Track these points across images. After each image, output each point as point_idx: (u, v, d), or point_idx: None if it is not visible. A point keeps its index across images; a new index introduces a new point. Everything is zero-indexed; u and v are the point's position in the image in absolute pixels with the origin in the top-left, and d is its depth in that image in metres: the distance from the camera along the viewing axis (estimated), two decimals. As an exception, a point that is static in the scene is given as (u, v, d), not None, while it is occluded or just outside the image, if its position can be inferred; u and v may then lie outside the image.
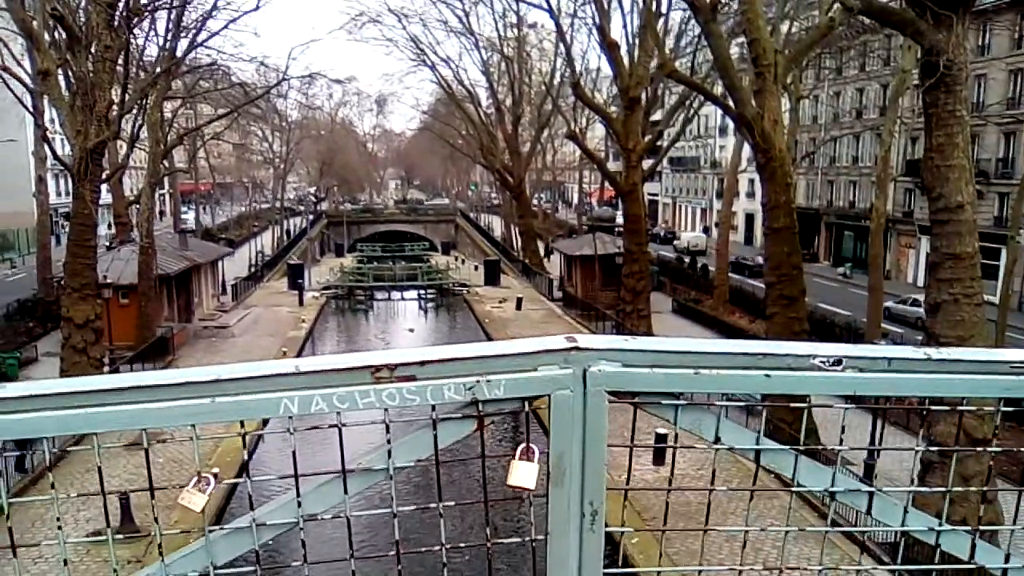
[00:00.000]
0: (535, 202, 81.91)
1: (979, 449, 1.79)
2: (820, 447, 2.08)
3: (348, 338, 46.45)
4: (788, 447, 1.54)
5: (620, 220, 48.21)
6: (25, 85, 30.01)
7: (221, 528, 1.45)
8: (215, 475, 1.46)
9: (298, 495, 1.44)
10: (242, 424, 1.43)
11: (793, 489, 1.55)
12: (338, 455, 1.48)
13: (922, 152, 16.54)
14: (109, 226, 45.48)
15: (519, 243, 64.95)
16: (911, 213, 50.44)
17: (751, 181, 61.31)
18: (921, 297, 45.82)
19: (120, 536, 15.20)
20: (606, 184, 59.49)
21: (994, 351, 1.60)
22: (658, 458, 19.22)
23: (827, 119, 59.92)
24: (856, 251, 56.26)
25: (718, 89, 30.57)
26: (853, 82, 56.38)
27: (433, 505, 1.54)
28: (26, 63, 31.21)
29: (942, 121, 14.75)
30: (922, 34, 14.57)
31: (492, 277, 56.72)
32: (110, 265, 33.29)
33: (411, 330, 46.87)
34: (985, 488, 1.71)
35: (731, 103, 22.63)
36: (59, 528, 1.47)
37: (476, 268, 62.27)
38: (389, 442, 1.44)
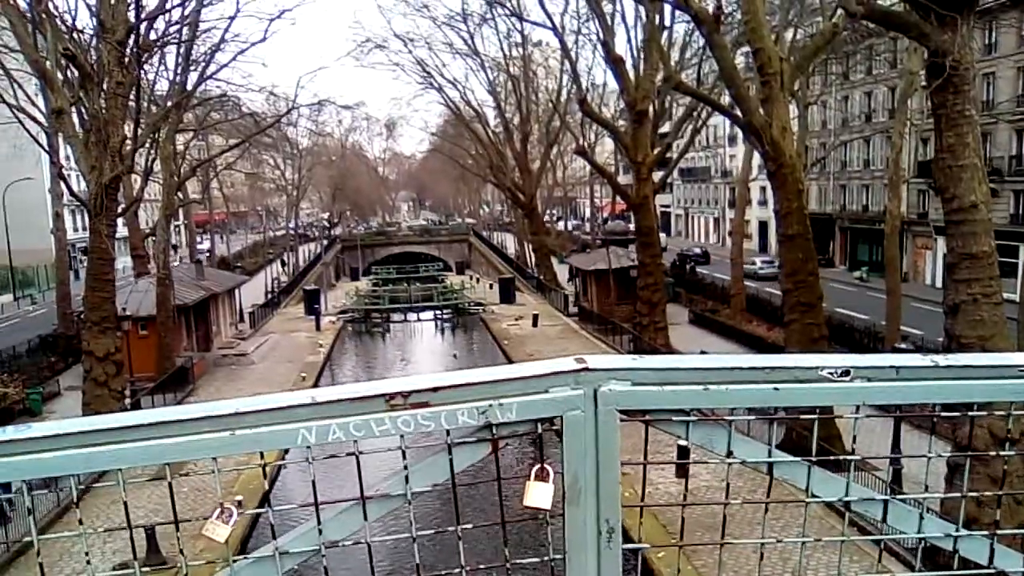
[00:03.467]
0: (547, 218, 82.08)
1: (991, 453, 1.79)
2: (840, 456, 2.07)
3: (366, 361, 46.53)
4: (800, 459, 1.56)
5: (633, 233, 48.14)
6: (40, 124, 30.47)
7: (245, 557, 1.48)
8: (238, 503, 1.50)
9: (319, 523, 1.47)
10: (262, 455, 1.47)
11: (807, 500, 1.56)
12: (358, 481, 1.51)
13: (933, 153, 16.49)
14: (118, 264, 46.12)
15: (533, 260, 65.05)
16: (926, 214, 50.15)
17: (763, 189, 61.20)
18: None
19: (147, 568, 15.23)
20: (618, 198, 59.60)
21: (1002, 355, 1.61)
22: (681, 470, 19.16)
23: (836, 124, 59.80)
24: (872, 254, 55.91)
25: (725, 99, 30.61)
26: (861, 86, 56.28)
27: (452, 528, 1.57)
28: (40, 102, 31.69)
29: (951, 121, 14.71)
30: (927, 36, 14.57)
31: (507, 295, 56.78)
32: (129, 297, 33.60)
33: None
34: (1000, 492, 1.71)
35: (739, 112, 22.65)
36: (88, 563, 1.50)
37: (491, 286, 62.37)
38: (406, 468, 1.47)
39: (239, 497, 18.49)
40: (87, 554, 1.52)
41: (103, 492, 16.56)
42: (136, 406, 26.64)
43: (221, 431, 1.40)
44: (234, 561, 1.46)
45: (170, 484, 1.46)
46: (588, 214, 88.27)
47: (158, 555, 15.49)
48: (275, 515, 1.59)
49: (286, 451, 1.50)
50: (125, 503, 1.46)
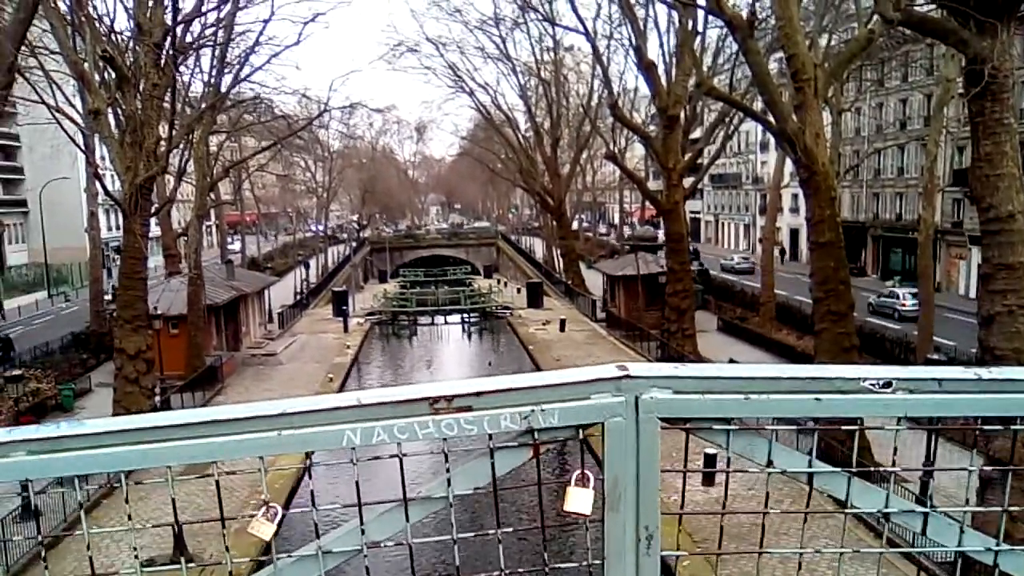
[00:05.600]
0: (575, 223, 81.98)
1: (1035, 468, 1.77)
2: (873, 468, 2.09)
3: (393, 363, 46.72)
4: (840, 469, 1.56)
5: (662, 239, 47.91)
6: (77, 125, 30.97)
7: (289, 556, 1.51)
8: (265, 504, 1.52)
9: (361, 523, 1.49)
10: (308, 456, 1.49)
11: (847, 511, 1.56)
12: (391, 483, 1.53)
13: (969, 162, 16.27)
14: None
15: (561, 265, 65.01)
16: (960, 224, 49.44)
17: (795, 196, 60.71)
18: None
19: (192, 564, 15.45)
20: (647, 203, 59.37)
21: (1047, 369, 1.59)
22: (707, 479, 19.04)
23: (870, 131, 59.16)
24: (904, 264, 55.27)
25: (758, 105, 30.42)
26: (896, 93, 55.65)
27: (492, 532, 1.58)
28: (78, 103, 32.23)
29: (989, 130, 14.51)
30: (965, 43, 14.39)
31: (535, 299, 56.78)
32: (160, 296, 34.01)
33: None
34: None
35: (771, 119, 22.49)
36: (135, 557, 1.54)
37: (518, 291, 62.40)
38: (448, 471, 1.49)
39: (264, 497, 18.69)
40: (135, 549, 1.55)
41: (123, 490, 16.72)
42: (166, 404, 26.97)
43: (268, 431, 1.42)
44: (278, 559, 1.49)
45: (217, 482, 1.49)
46: (617, 220, 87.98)
47: (186, 552, 15.66)
48: (304, 516, 1.62)
49: (310, 453, 1.52)
50: (173, 500, 1.49)
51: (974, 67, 14.26)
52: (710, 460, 18.61)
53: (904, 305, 42.86)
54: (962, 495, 1.81)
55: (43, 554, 1.56)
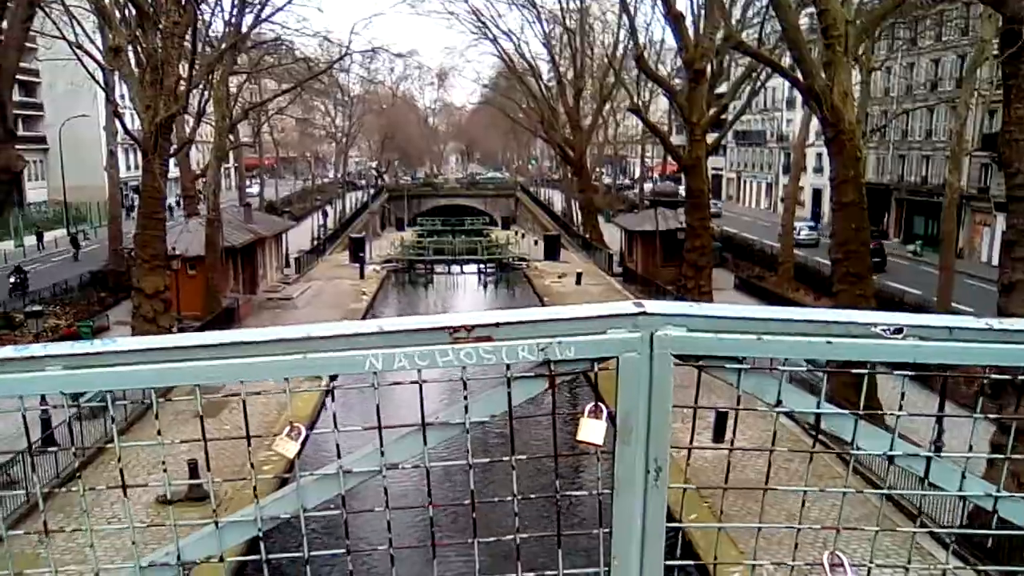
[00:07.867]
0: (595, 176, 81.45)
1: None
2: (880, 412, 2.14)
3: (408, 311, 46.98)
4: (847, 411, 1.59)
5: (683, 194, 47.57)
6: (97, 62, 30.92)
7: (312, 474, 1.57)
8: (292, 430, 1.58)
9: (381, 445, 1.55)
10: (332, 379, 1.55)
11: (852, 452, 1.60)
12: (409, 411, 1.58)
13: (1000, 125, 16.01)
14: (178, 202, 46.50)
15: (579, 218, 64.75)
16: (987, 189, 48.73)
17: (819, 155, 59.97)
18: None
19: (189, 499, 15.83)
20: (669, 158, 58.87)
21: (1058, 322, 1.61)
22: (718, 435, 19.20)
23: (900, 91, 58.10)
24: (927, 228, 54.70)
25: (786, 61, 29.93)
26: (928, 53, 54.49)
27: (506, 458, 1.64)
28: (98, 40, 32.13)
29: (1023, 92, 14.26)
30: (1003, 2, 14.08)
31: (552, 252, 56.74)
32: (179, 237, 34.20)
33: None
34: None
35: (799, 75, 22.15)
36: (164, 471, 1.60)
37: (536, 243, 62.32)
38: (466, 398, 1.54)
39: (288, 418, 18.99)
40: (163, 463, 1.62)
41: (146, 422, 17.02)
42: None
43: (294, 354, 1.47)
44: (300, 476, 1.55)
45: (243, 401, 1.55)
46: (638, 174, 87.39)
47: (199, 488, 15.96)
48: (321, 439, 1.68)
49: (333, 377, 1.56)
50: (201, 417, 1.55)
51: (1011, 27, 13.97)
52: (721, 418, 18.74)
53: (798, 234, 51.28)
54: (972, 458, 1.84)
55: (76, 465, 1.62)
